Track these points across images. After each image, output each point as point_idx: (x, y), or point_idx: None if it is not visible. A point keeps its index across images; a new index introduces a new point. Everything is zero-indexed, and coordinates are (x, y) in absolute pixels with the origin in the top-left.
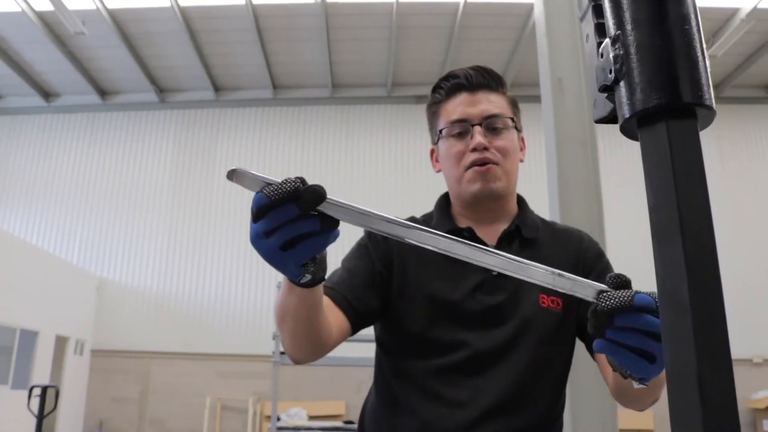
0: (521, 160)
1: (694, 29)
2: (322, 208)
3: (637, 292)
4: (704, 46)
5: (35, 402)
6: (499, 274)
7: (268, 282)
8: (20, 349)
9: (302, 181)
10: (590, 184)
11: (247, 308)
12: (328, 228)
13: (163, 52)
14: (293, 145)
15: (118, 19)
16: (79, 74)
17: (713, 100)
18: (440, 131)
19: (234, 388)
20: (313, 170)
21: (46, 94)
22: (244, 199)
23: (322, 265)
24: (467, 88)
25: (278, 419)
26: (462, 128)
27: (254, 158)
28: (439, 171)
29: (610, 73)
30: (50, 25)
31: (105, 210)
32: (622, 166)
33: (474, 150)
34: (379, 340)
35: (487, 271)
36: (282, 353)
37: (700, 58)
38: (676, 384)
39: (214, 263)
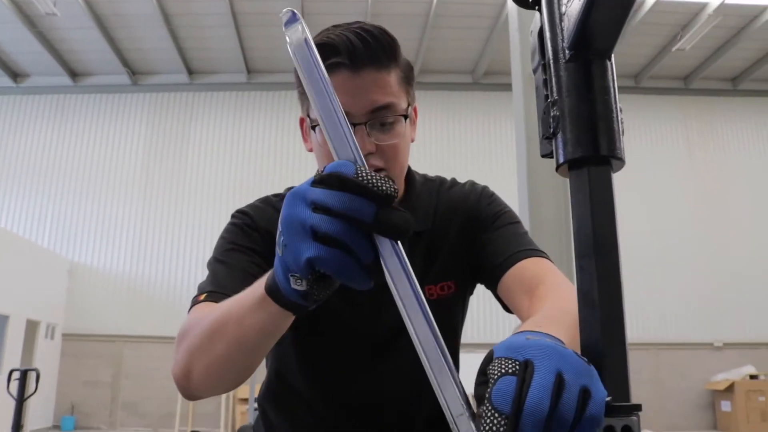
0: (413, 140)
1: (612, 98)
2: (387, 246)
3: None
4: (619, 109)
5: (14, 385)
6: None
7: None
8: None
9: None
10: (559, 179)
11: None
12: (369, 274)
13: (136, 35)
14: (268, 130)
15: (90, 0)
16: (50, 55)
17: (623, 152)
18: (314, 119)
19: None
20: (288, 155)
21: (15, 75)
22: (218, 183)
23: (325, 290)
24: (349, 67)
25: (255, 399)
26: None
27: (228, 142)
28: (310, 150)
29: (550, 127)
30: (20, 5)
31: (76, 193)
32: None
33: None
34: None
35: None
36: None
37: (615, 120)
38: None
39: (187, 247)
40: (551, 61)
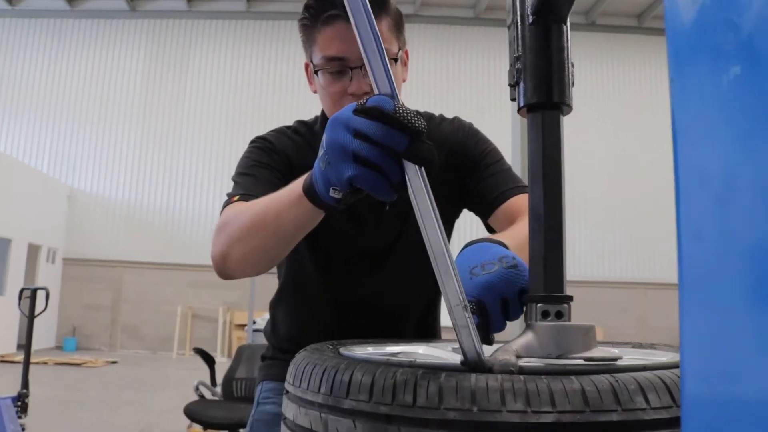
0: (404, 80)
1: (565, 55)
2: (413, 170)
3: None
4: (571, 64)
5: (26, 304)
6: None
7: None
8: None
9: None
10: None
11: (217, 220)
12: (396, 191)
13: None
14: (267, 59)
15: None
16: None
17: (572, 100)
18: (316, 64)
19: (204, 298)
20: (286, 86)
21: None
22: (217, 112)
23: (354, 198)
24: (344, 18)
25: (254, 323)
26: (340, 67)
27: (227, 71)
28: (315, 92)
29: (514, 77)
30: None
31: (75, 119)
32: (583, 95)
33: (353, 94)
34: None
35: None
36: None
37: (567, 74)
38: (533, 260)
39: (186, 174)
40: (518, 23)
